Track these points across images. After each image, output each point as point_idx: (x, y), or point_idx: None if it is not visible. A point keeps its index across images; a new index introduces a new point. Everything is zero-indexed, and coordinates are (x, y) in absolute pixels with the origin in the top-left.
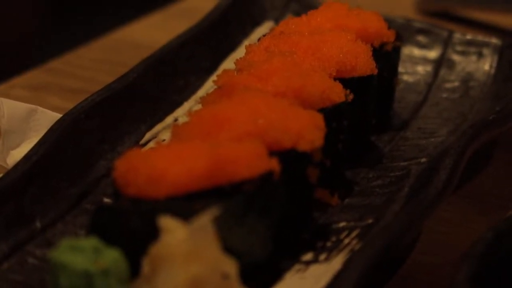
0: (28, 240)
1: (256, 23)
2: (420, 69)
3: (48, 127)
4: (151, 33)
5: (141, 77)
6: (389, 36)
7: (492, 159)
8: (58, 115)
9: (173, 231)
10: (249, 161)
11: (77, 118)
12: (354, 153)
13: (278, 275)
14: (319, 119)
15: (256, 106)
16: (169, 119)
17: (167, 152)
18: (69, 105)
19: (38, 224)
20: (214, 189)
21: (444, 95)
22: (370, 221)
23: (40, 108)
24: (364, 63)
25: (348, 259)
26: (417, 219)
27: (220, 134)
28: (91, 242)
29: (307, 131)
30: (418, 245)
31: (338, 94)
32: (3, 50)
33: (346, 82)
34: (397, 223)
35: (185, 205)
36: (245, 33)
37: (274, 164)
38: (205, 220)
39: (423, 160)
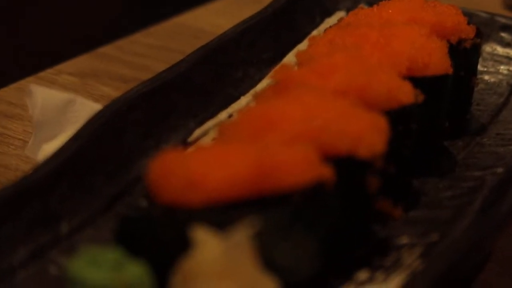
0: (52, 245)
1: (327, 13)
2: (503, 68)
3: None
4: (214, 19)
5: (195, 67)
6: (468, 32)
7: None
8: (99, 106)
9: (208, 245)
10: (299, 167)
11: (119, 110)
12: (423, 160)
13: None
14: (382, 121)
15: (312, 105)
16: (222, 115)
17: (208, 155)
18: (119, 95)
19: (64, 228)
20: (258, 198)
21: None
22: (435, 237)
23: (79, 98)
24: (438, 61)
25: (408, 281)
26: (487, 237)
27: (269, 135)
28: (114, 254)
29: (368, 135)
30: (489, 265)
31: (407, 94)
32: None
33: (417, 81)
34: (465, 241)
35: (224, 215)
36: (314, 24)
37: (327, 172)
38: (244, 235)
39: (500, 170)
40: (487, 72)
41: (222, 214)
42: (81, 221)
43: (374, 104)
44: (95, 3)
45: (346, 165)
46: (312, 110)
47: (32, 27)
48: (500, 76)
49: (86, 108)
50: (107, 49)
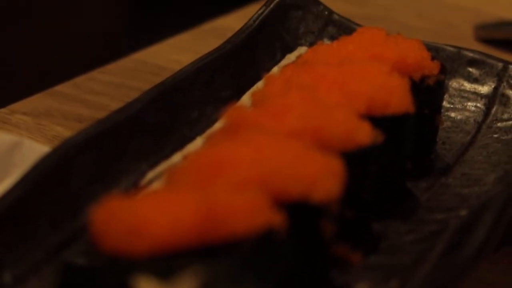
0: None
1: (288, 48)
2: (470, 105)
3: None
4: (174, 55)
5: (148, 106)
6: (432, 68)
7: None
8: (47, 149)
9: None
10: (248, 214)
11: (67, 154)
12: (385, 202)
13: None
14: (337, 164)
15: (263, 148)
16: (177, 157)
17: (153, 200)
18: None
19: (7, 278)
20: (205, 246)
21: (495, 135)
22: (395, 284)
23: (26, 141)
24: (399, 100)
25: None
26: (450, 282)
27: (218, 180)
28: None
29: (322, 179)
30: None
31: (365, 135)
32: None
33: (377, 121)
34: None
35: (169, 264)
36: (275, 60)
37: (278, 218)
38: (189, 285)
39: (464, 212)
40: (454, 109)
41: (166, 263)
42: (24, 270)
43: (330, 145)
44: (51, 40)
45: (299, 211)
46: (264, 153)
47: None
48: (467, 113)
49: (33, 151)
50: (63, 87)
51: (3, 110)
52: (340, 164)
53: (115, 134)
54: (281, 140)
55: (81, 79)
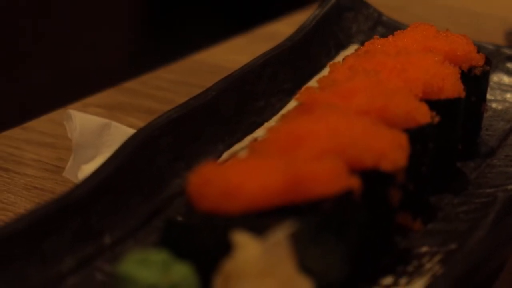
0: (97, 255)
1: (342, 46)
2: (509, 97)
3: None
4: (232, 56)
5: (220, 95)
6: (478, 60)
7: None
8: (132, 131)
9: (247, 247)
10: (328, 178)
11: (152, 134)
12: (438, 178)
13: None
14: (403, 139)
15: (337, 123)
16: (248, 140)
17: (243, 167)
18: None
19: (107, 240)
20: (290, 206)
21: None
22: (453, 246)
23: (114, 123)
24: (451, 86)
25: (430, 283)
26: (502, 245)
27: (298, 151)
28: (161, 256)
29: (390, 151)
30: (503, 275)
31: (424, 115)
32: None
33: (432, 104)
34: (482, 248)
35: (260, 221)
36: (329, 56)
37: (354, 183)
38: (281, 236)
39: (511, 187)
40: (495, 100)
41: (257, 221)
42: (122, 234)
43: (393, 124)
44: (116, 42)
45: (371, 178)
46: (338, 128)
47: (57, 62)
48: (507, 104)
49: (120, 132)
50: (131, 84)
51: (77, 104)
52: (405, 139)
53: (192, 119)
54: (351, 117)
55: (147, 77)
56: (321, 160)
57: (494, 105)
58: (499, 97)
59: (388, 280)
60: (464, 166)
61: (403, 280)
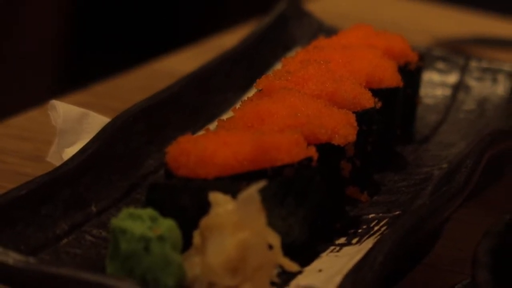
0: (85, 221)
1: (287, 48)
2: (440, 93)
3: (99, 129)
4: (187, 64)
5: (184, 89)
6: (413, 57)
7: (503, 174)
8: (108, 120)
9: (223, 204)
10: (290, 148)
11: (126, 121)
12: (381, 158)
13: (314, 255)
14: (351, 117)
15: (295, 103)
16: (210, 127)
17: (216, 138)
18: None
19: (93, 208)
20: (257, 172)
21: (462, 115)
22: (397, 212)
23: (91, 113)
24: (391, 77)
25: (378, 240)
26: (440, 209)
27: (262, 126)
28: (148, 212)
29: (341, 127)
30: (440, 241)
31: (368, 100)
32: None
33: (375, 92)
34: (421, 212)
35: (232, 184)
36: (277, 57)
37: (312, 152)
38: (252, 192)
39: (444, 165)
40: (427, 96)
41: (230, 183)
42: (106, 204)
43: (342, 106)
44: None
45: (325, 151)
46: (296, 107)
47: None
48: (437, 99)
49: (98, 121)
50: (98, 88)
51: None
52: (353, 118)
53: (161, 108)
54: (307, 98)
55: (112, 82)
56: (283, 132)
57: (426, 100)
58: (430, 93)
59: (341, 240)
60: (402, 150)
61: (354, 240)
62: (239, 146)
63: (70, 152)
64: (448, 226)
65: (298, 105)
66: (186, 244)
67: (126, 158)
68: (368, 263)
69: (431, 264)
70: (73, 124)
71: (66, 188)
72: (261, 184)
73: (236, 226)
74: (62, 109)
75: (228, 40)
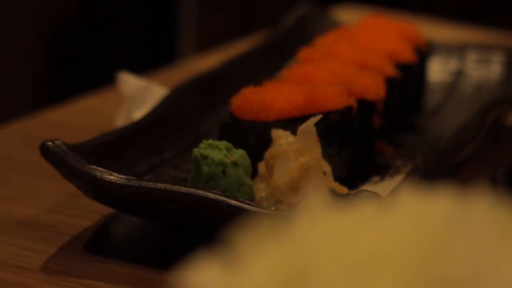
0: (160, 164)
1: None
2: (442, 79)
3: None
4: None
5: (227, 70)
6: (422, 42)
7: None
8: (166, 91)
9: (284, 137)
10: (334, 97)
11: (185, 90)
12: (400, 124)
13: (356, 187)
14: (380, 79)
15: (334, 67)
16: None
17: (274, 89)
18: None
19: (166, 155)
20: (308, 116)
21: (463, 97)
22: (419, 160)
23: (153, 85)
24: (407, 55)
25: (406, 176)
26: (454, 152)
27: (309, 83)
28: (223, 143)
29: (373, 86)
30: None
31: (391, 70)
32: None
33: (394, 66)
34: (440, 153)
35: (289, 124)
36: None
37: (352, 102)
38: (309, 124)
39: (454, 129)
40: (431, 82)
41: (288, 124)
42: (176, 152)
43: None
44: None
45: (361, 104)
46: (334, 70)
47: None
48: (440, 84)
49: (158, 91)
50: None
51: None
52: (381, 79)
53: (212, 81)
54: (343, 64)
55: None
56: (330, 85)
57: (431, 85)
58: (434, 79)
59: (376, 178)
60: (416, 120)
61: (387, 177)
62: (293, 95)
63: (138, 115)
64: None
65: (336, 68)
66: (252, 175)
67: (187, 119)
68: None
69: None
70: (140, 92)
71: (142, 138)
72: (317, 117)
73: (297, 152)
74: (130, 80)
75: (246, 45)
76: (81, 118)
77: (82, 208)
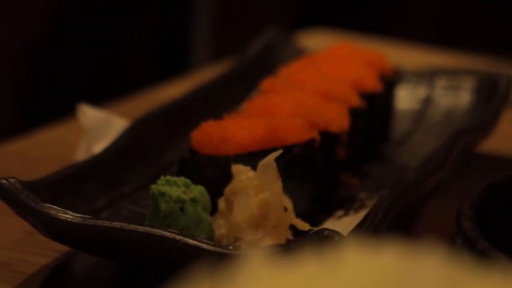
0: (120, 199)
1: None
2: (410, 106)
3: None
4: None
5: (190, 99)
6: (389, 70)
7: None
8: (127, 123)
9: (244, 172)
10: (296, 130)
11: (147, 121)
12: (366, 154)
13: (318, 222)
14: (344, 110)
15: (297, 97)
16: None
17: (234, 122)
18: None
19: (125, 189)
20: (270, 150)
21: (431, 124)
22: (384, 192)
23: (114, 117)
24: (372, 84)
25: (371, 209)
26: (426, 179)
27: (271, 115)
28: (181, 179)
29: (337, 118)
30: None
31: (356, 100)
32: None
33: (360, 95)
34: (411, 180)
35: (250, 158)
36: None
37: (315, 135)
38: (270, 160)
39: (421, 159)
40: (399, 110)
41: (248, 158)
42: (136, 186)
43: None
44: None
45: (324, 136)
46: (298, 101)
47: None
48: (408, 112)
49: (119, 123)
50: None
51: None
52: (346, 111)
53: (175, 113)
54: (306, 94)
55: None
56: (292, 118)
57: (398, 113)
58: (402, 107)
59: (339, 212)
60: (383, 149)
61: (351, 212)
62: (254, 128)
63: (98, 148)
64: (425, 211)
65: (300, 99)
66: (212, 211)
67: (149, 151)
68: (368, 221)
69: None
70: (100, 124)
71: (103, 172)
72: (278, 152)
73: (257, 188)
74: (90, 112)
75: (213, 72)
76: (44, 149)
77: (39, 245)
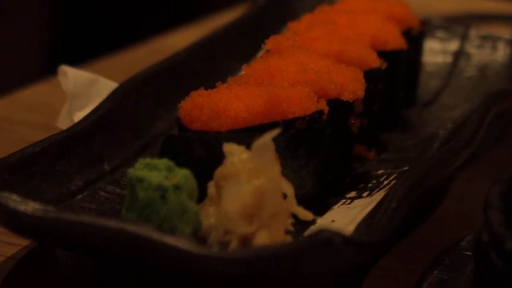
0: (99, 178)
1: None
2: (440, 60)
3: (108, 94)
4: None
5: (191, 56)
6: (415, 21)
7: (506, 134)
8: (116, 84)
9: (237, 154)
10: (301, 101)
11: (136, 85)
12: (386, 120)
13: (326, 207)
14: (359, 74)
15: (304, 60)
16: None
17: (228, 92)
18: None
19: (106, 166)
20: (269, 124)
21: (463, 82)
22: (405, 168)
23: (101, 78)
24: (394, 39)
25: (389, 190)
26: (449, 160)
27: (273, 82)
28: (164, 162)
29: (350, 83)
30: (447, 198)
31: (374, 60)
32: None
33: (380, 54)
34: (432, 162)
35: (245, 135)
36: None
37: (323, 106)
38: (266, 140)
39: (449, 126)
40: (428, 64)
41: (243, 135)
42: (118, 162)
43: (349, 66)
44: None
45: (335, 106)
46: (305, 64)
47: None
48: (438, 66)
49: (107, 86)
50: (100, 63)
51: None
52: (361, 74)
53: (169, 73)
54: (315, 56)
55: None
56: (295, 86)
57: (427, 68)
58: (431, 61)
59: (352, 194)
60: (407, 113)
61: (365, 194)
62: (251, 99)
63: (80, 115)
64: (454, 184)
65: (307, 62)
66: (201, 195)
67: (136, 120)
68: (381, 210)
69: (439, 218)
70: (83, 88)
71: (80, 145)
72: (275, 132)
73: (252, 173)
74: (72, 75)
75: (227, 19)
76: (26, 112)
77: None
